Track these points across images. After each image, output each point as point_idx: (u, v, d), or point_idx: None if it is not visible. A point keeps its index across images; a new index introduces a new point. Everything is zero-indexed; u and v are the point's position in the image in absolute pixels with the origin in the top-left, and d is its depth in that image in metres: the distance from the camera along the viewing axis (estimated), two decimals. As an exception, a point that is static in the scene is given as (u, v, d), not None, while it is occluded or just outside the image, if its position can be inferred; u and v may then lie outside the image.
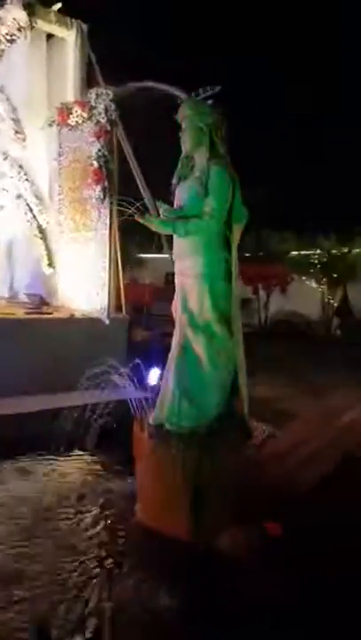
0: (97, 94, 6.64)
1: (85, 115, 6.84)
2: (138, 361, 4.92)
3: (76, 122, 7.02)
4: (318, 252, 12.68)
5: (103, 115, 6.61)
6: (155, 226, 3.40)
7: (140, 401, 3.92)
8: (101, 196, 6.68)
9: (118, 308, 7.25)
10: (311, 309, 13.00)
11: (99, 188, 6.66)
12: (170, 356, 3.49)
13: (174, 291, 3.48)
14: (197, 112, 3.36)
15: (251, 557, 2.91)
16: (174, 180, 3.54)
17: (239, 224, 3.37)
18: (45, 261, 7.54)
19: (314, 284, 12.92)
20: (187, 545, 3.05)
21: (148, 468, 3.29)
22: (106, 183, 6.67)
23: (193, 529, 3.09)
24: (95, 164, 6.65)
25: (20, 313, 6.65)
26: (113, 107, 6.62)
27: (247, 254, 15.00)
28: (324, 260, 12.40)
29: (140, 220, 3.37)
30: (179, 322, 3.44)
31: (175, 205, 3.47)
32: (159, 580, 2.80)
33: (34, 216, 7.41)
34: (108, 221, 6.78)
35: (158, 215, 3.46)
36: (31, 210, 7.37)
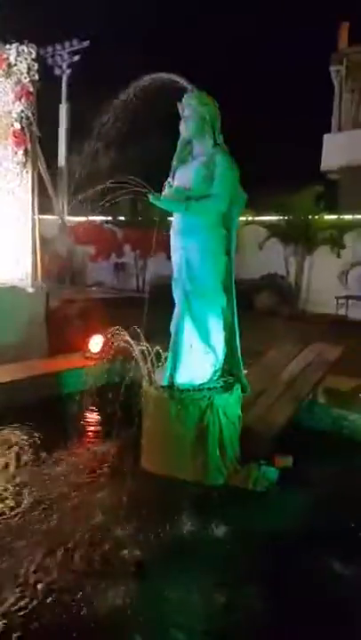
0: (18, 52, 6.34)
1: (1, 71, 6.49)
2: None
3: (-13, 77, 6.62)
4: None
5: (25, 74, 6.36)
6: (164, 205, 3.67)
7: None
8: (23, 160, 6.48)
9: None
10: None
11: (21, 150, 6.45)
12: (173, 323, 3.87)
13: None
14: (202, 103, 3.67)
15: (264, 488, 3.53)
16: (174, 162, 3.85)
17: (239, 205, 3.81)
18: None
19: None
20: (203, 486, 3.56)
21: (164, 423, 3.68)
22: (29, 146, 6.49)
23: (211, 471, 3.61)
24: (17, 125, 6.40)
25: None
26: (36, 67, 6.42)
27: (122, 218, 15.24)
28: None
29: (152, 200, 3.62)
30: (183, 291, 3.81)
31: (175, 185, 3.79)
32: (197, 513, 3.28)
33: None
34: (29, 186, 6.62)
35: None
36: None
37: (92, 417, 4.90)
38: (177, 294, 3.88)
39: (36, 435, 4.43)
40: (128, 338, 3.81)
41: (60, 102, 17.01)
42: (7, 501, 3.38)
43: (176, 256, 3.86)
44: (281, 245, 13.09)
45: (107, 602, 2.48)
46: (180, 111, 3.76)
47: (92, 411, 4.90)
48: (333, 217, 12.55)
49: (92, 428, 4.75)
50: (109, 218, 15.55)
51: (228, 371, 3.94)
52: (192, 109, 3.68)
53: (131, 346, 3.85)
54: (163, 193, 3.79)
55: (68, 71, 18.18)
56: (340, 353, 5.38)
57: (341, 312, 11.73)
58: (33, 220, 6.76)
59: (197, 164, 3.70)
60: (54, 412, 4.81)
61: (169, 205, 3.70)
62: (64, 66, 18.35)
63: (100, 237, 13.65)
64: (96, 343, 6.09)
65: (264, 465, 3.63)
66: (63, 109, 18.71)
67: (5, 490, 3.53)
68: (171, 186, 3.78)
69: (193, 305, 3.78)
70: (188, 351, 3.79)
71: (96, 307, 9.01)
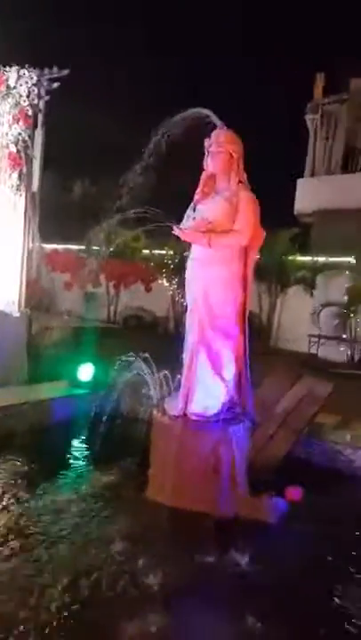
0: (18, 75, 6.39)
1: (-2, 94, 6.50)
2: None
3: (-18, 99, 6.60)
4: (171, 252, 13.58)
5: (25, 98, 6.41)
6: (187, 237, 3.71)
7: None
8: (17, 183, 6.41)
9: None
10: (161, 306, 13.94)
11: (15, 173, 6.39)
12: (186, 353, 3.84)
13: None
14: (230, 140, 3.76)
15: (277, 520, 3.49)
16: (197, 196, 3.90)
17: (257, 242, 3.89)
18: None
19: (165, 283, 13.83)
20: (217, 517, 3.48)
21: (176, 454, 3.60)
22: (24, 169, 6.45)
23: (222, 502, 3.54)
24: (12, 147, 6.37)
25: None
26: (36, 91, 6.48)
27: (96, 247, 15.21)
28: (177, 260, 13.35)
29: (176, 232, 3.66)
30: (198, 323, 3.80)
31: (197, 218, 3.83)
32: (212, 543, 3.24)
33: None
34: (22, 211, 6.54)
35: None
36: None
37: (90, 446, 4.75)
38: (191, 324, 3.87)
39: (35, 465, 4.23)
40: (142, 365, 3.76)
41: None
42: (14, 537, 3.18)
43: (194, 285, 3.86)
44: (255, 283, 13.34)
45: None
46: (207, 146, 3.83)
47: (90, 439, 4.75)
48: (307, 258, 12.91)
49: (91, 458, 4.60)
50: (83, 247, 15.50)
51: (237, 402, 3.93)
52: (220, 146, 3.76)
53: (143, 374, 3.79)
54: (181, 224, 3.84)
55: (47, 98, 18.35)
56: (331, 389, 5.45)
57: (313, 350, 11.97)
58: (24, 244, 6.66)
59: (221, 199, 3.75)
60: (52, 440, 4.66)
61: (192, 238, 3.73)
62: (42, 92, 18.54)
63: (76, 266, 13.59)
64: (85, 371, 5.96)
65: (275, 496, 3.60)
66: (39, 135, 18.74)
67: (10, 525, 3.33)
68: (194, 218, 3.82)
69: (207, 335, 3.78)
70: (200, 381, 3.77)
71: (74, 335, 8.88)
